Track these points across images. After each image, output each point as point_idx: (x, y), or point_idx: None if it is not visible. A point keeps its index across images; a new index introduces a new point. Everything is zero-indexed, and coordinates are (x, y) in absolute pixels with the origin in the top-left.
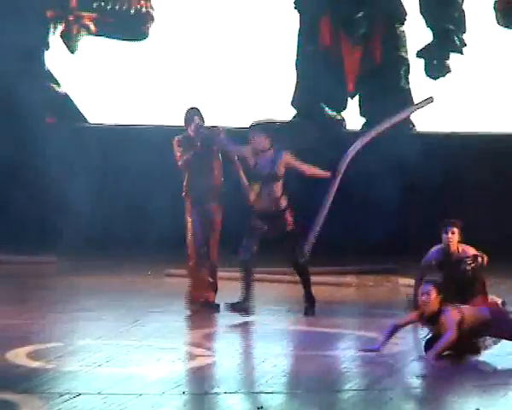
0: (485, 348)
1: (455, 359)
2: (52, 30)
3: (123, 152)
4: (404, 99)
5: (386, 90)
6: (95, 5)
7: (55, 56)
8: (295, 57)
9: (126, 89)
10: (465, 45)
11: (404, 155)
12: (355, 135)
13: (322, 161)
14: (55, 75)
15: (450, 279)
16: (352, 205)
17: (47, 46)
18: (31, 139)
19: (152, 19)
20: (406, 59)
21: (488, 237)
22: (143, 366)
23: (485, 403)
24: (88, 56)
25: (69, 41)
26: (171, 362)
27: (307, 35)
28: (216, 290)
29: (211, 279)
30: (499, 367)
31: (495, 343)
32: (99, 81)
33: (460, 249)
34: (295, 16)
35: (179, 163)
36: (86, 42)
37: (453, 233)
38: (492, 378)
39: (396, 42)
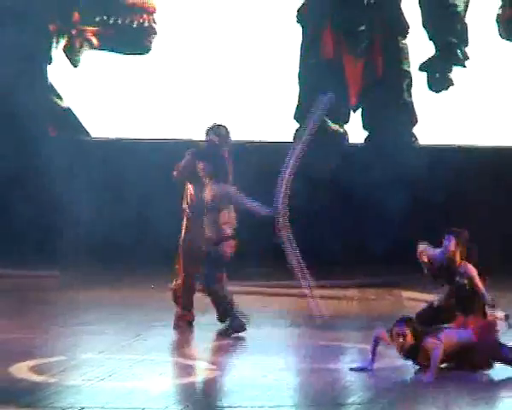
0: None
1: (455, 371)
2: (55, 44)
3: (125, 166)
4: (406, 112)
5: (389, 103)
6: (97, 19)
7: (58, 70)
8: (298, 70)
9: (129, 102)
10: (468, 58)
11: (407, 168)
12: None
13: (325, 175)
14: (58, 89)
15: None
16: (354, 217)
17: (49, 60)
18: (33, 152)
19: (154, 32)
20: (409, 72)
21: (490, 249)
22: (146, 380)
23: None
24: (90, 70)
25: (72, 55)
26: (174, 376)
27: (309, 48)
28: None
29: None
30: (500, 379)
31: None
32: (101, 95)
33: (459, 261)
34: (297, 29)
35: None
36: (89, 55)
37: (449, 241)
38: (494, 391)
39: (398, 55)
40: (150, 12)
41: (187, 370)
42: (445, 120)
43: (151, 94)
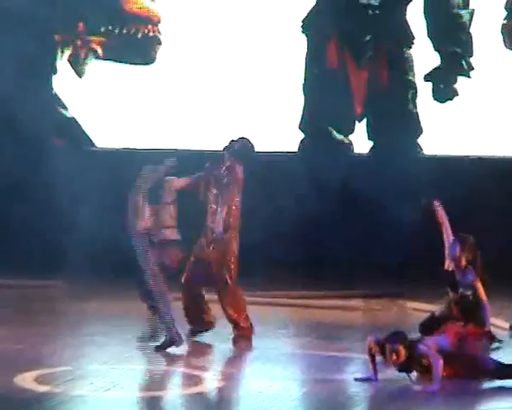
0: None
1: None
2: (60, 54)
3: (130, 176)
4: (411, 123)
5: (394, 113)
6: (102, 29)
7: (63, 80)
8: (303, 80)
9: (133, 113)
10: (472, 69)
11: (412, 179)
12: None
13: (331, 185)
14: (63, 99)
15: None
16: (360, 228)
17: (55, 70)
18: (38, 162)
19: (159, 43)
20: (414, 82)
21: (498, 258)
22: (151, 390)
23: None
24: (95, 80)
25: (77, 65)
26: (180, 387)
27: (314, 58)
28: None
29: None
30: (503, 387)
31: None
32: (106, 105)
33: (464, 266)
34: (302, 39)
35: None
36: (94, 66)
37: (455, 246)
38: (495, 401)
39: (403, 65)
40: (155, 22)
41: (191, 380)
42: (449, 130)
43: (156, 104)
